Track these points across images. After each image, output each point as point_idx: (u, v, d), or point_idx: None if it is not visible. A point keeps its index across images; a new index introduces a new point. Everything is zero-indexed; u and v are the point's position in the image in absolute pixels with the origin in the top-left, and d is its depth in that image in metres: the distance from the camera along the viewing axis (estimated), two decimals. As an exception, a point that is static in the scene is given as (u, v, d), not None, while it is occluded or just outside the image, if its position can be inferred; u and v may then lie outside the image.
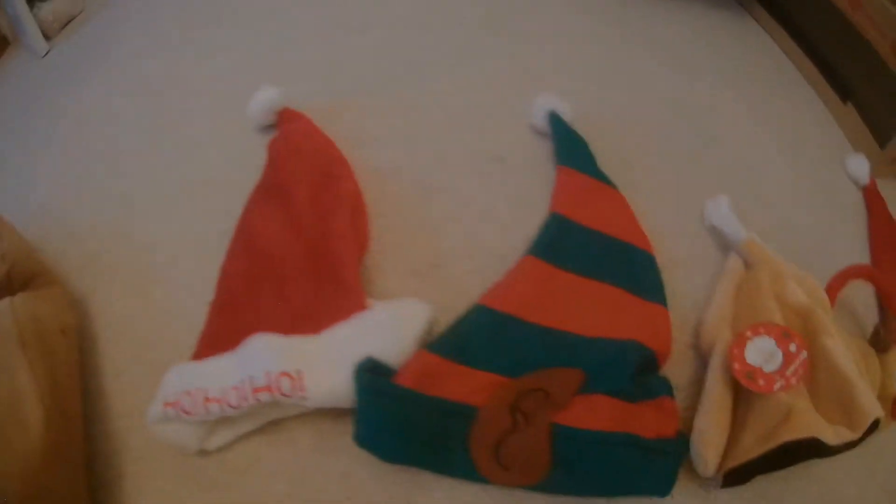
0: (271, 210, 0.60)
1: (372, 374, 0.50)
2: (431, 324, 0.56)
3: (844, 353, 0.58)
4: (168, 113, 0.76)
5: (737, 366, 0.54)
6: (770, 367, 0.54)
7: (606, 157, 0.67)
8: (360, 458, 0.54)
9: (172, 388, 0.55)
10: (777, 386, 0.54)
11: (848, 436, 0.54)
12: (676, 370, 0.61)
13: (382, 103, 0.69)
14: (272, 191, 0.61)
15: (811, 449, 0.54)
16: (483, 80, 0.73)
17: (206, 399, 0.53)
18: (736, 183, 0.74)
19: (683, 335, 0.62)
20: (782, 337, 0.56)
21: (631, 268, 0.60)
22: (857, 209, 0.90)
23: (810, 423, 0.53)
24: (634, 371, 0.54)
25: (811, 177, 0.84)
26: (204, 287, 0.60)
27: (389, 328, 0.53)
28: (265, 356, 0.52)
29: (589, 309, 0.57)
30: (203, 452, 0.55)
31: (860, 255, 0.84)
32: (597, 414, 0.51)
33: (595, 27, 0.88)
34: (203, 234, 0.62)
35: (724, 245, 0.67)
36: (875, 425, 0.56)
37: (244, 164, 0.65)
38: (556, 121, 0.67)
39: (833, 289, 0.70)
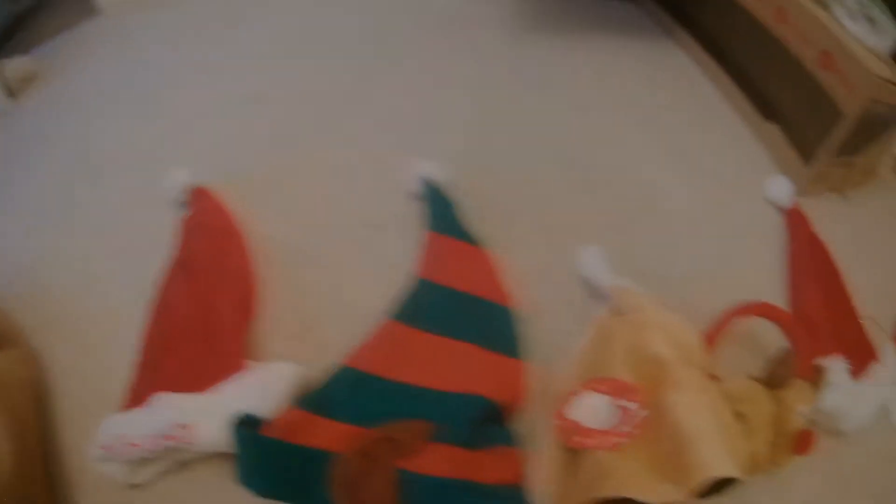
0: (178, 283, 0.68)
1: (243, 426, 0.57)
2: (302, 381, 0.62)
3: (692, 407, 0.57)
4: (103, 187, 0.81)
5: (558, 421, 0.56)
6: (595, 423, 0.55)
7: (486, 212, 0.70)
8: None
9: (105, 434, 0.64)
10: (595, 442, 0.54)
11: (670, 494, 0.53)
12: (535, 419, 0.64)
13: (278, 176, 0.74)
14: (180, 265, 0.69)
15: None
16: (369, 147, 0.76)
17: (131, 444, 0.62)
18: (634, 223, 0.74)
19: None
20: (621, 392, 0.57)
21: (486, 323, 0.64)
22: (776, 235, 0.88)
23: (624, 483, 0.52)
24: (476, 422, 0.58)
25: (721, 206, 0.83)
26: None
27: (261, 387, 0.60)
28: (167, 412, 0.61)
29: (442, 365, 0.62)
30: (134, 486, 0.64)
31: (777, 282, 0.82)
32: (439, 462, 0.56)
33: (485, 72, 0.87)
34: (136, 301, 0.69)
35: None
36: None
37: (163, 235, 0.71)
38: (428, 187, 0.71)
39: (715, 332, 0.70)
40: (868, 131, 0.81)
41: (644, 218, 0.77)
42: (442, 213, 0.70)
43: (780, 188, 0.90)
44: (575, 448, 0.55)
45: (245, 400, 0.60)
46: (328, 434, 0.59)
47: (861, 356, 0.81)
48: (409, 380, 0.61)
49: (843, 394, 0.75)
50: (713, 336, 0.70)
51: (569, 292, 0.68)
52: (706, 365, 0.65)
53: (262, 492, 0.58)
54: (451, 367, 0.62)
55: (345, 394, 0.60)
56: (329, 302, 0.65)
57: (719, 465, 0.53)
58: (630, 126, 0.83)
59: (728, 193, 0.87)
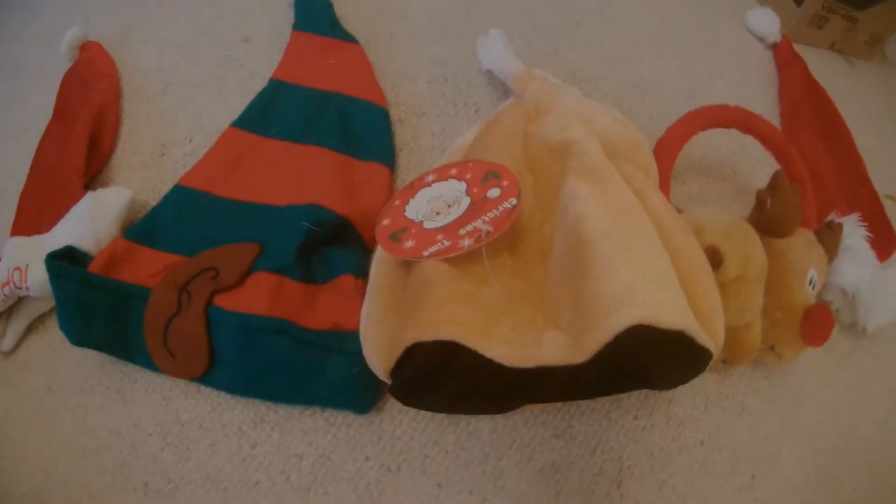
0: (51, 131, 0.60)
1: (57, 260, 0.46)
2: (134, 208, 0.50)
3: (610, 204, 0.32)
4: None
5: (386, 222, 0.35)
6: (437, 222, 0.33)
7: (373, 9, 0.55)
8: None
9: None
10: (432, 249, 0.32)
11: (557, 347, 0.29)
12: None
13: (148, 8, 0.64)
14: (56, 114, 0.61)
15: (484, 371, 0.29)
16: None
17: (-17, 298, 0.56)
18: (570, 25, 0.54)
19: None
20: (484, 179, 0.34)
21: (348, 125, 0.47)
22: (760, 71, 0.65)
23: (446, 316, 0.29)
24: (312, 241, 0.41)
25: (689, 26, 0.61)
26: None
27: (86, 216, 0.49)
28: (8, 255, 0.52)
29: (286, 176, 0.46)
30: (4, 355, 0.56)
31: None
32: (258, 295, 0.41)
33: None
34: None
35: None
36: (694, 352, 0.28)
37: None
38: None
39: (669, 147, 0.47)
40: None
41: (586, 22, 0.56)
42: (310, 10, 0.55)
43: (765, 19, 0.68)
44: (399, 259, 0.34)
45: (72, 233, 0.49)
46: (150, 267, 0.46)
47: (880, 236, 0.56)
48: (245, 195, 0.46)
49: (865, 268, 0.51)
50: (668, 153, 0.47)
51: (469, 91, 0.49)
52: (652, 176, 0.41)
53: (76, 336, 0.47)
54: (298, 176, 0.46)
55: (170, 218, 0.47)
56: (187, 124, 0.53)
57: (654, 305, 0.27)
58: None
59: (698, 15, 0.64)
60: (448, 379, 0.31)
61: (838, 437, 0.53)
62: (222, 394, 0.45)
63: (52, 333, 0.55)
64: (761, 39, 0.68)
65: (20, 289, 0.51)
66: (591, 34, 0.55)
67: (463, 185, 0.36)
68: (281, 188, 0.46)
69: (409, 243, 0.33)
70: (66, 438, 0.50)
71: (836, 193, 0.60)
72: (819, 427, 0.52)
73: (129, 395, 0.48)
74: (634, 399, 0.45)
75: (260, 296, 0.40)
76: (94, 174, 0.56)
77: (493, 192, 0.34)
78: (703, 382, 0.47)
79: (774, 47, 0.68)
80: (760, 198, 0.46)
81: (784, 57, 0.67)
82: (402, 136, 0.49)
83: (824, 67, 0.69)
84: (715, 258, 0.39)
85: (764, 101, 0.62)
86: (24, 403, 0.53)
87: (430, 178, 0.37)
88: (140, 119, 0.57)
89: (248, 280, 0.42)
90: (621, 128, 0.42)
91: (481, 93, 0.50)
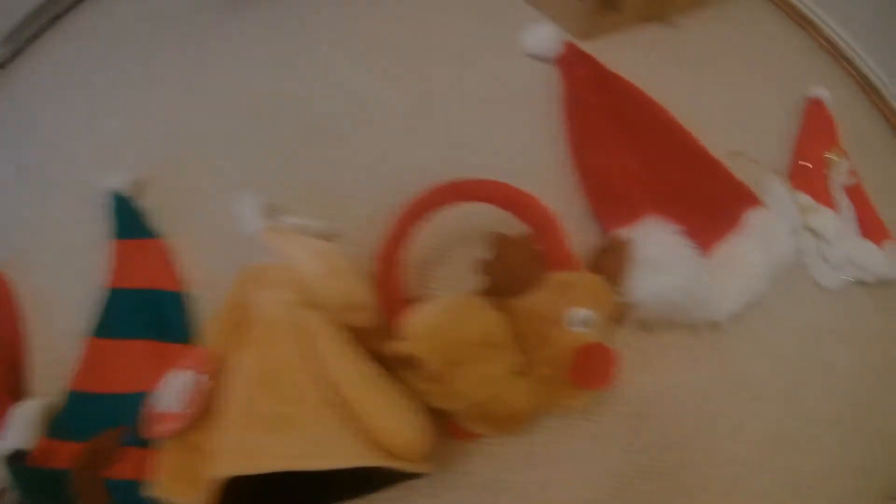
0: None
1: (9, 460, 0.64)
2: (49, 411, 0.66)
3: (246, 369, 0.45)
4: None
5: (148, 410, 0.51)
6: (170, 406, 0.48)
7: (171, 201, 0.67)
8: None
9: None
10: (162, 428, 0.47)
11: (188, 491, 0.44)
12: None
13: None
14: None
15: None
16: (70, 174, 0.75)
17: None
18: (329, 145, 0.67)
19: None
20: (197, 363, 0.49)
21: (161, 315, 0.63)
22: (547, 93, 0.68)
23: (161, 476, 0.47)
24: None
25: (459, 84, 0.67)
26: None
27: (18, 424, 0.65)
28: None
29: (129, 367, 0.63)
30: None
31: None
32: (127, 465, 0.58)
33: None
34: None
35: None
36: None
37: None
38: (112, 198, 0.71)
39: (390, 248, 0.53)
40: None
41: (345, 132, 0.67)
42: (118, 218, 0.70)
43: (538, 35, 0.67)
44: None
45: (12, 439, 0.66)
46: (63, 455, 0.63)
47: (729, 202, 0.60)
48: (105, 388, 0.63)
49: (668, 274, 0.51)
50: (390, 254, 0.53)
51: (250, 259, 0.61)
52: (354, 300, 0.51)
53: None
54: (137, 366, 0.63)
55: (67, 415, 0.65)
56: (68, 333, 0.68)
57: (251, 455, 0.41)
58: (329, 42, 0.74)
59: (464, 68, 0.69)
60: None
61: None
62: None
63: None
64: (542, 58, 0.66)
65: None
66: (341, 150, 0.67)
67: (189, 373, 0.51)
68: (126, 378, 0.62)
69: (157, 424, 0.50)
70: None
71: (645, 193, 0.58)
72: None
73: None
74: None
75: (127, 464, 0.58)
76: (18, 386, 0.71)
77: (203, 378, 0.49)
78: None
79: (557, 61, 0.65)
80: (477, 267, 0.49)
81: (566, 66, 0.64)
82: (205, 310, 0.62)
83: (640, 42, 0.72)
84: (413, 362, 0.46)
85: (551, 126, 0.64)
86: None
87: (172, 371, 0.52)
88: (40, 335, 0.72)
89: (126, 452, 0.58)
90: (323, 268, 0.50)
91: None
